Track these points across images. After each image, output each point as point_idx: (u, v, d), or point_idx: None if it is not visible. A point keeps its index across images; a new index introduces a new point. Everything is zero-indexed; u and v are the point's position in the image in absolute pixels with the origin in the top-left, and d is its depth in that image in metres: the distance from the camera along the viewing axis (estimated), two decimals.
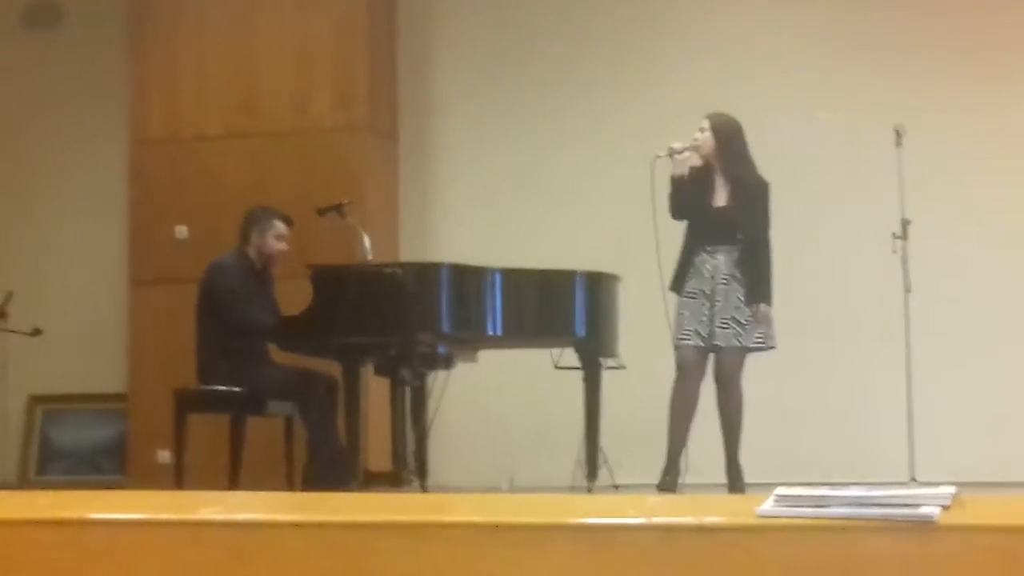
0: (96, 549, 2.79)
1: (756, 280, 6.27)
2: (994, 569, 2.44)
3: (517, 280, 6.68)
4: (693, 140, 6.42)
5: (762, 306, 6.25)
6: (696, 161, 6.43)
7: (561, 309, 6.81)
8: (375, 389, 7.15)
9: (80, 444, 8.84)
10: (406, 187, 8.64)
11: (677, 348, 6.34)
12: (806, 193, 7.63)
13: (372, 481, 6.80)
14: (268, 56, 8.39)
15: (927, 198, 7.12)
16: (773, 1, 8.33)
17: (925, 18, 8.01)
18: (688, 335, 6.30)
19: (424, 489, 6.62)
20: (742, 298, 6.26)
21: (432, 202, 8.61)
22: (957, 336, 7.67)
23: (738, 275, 6.29)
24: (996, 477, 6.71)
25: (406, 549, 2.67)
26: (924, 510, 2.49)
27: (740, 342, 6.27)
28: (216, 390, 6.82)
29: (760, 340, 6.30)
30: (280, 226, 7.04)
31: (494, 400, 8.11)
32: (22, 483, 8.60)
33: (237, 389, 6.79)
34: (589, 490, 6.79)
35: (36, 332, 8.27)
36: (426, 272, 6.67)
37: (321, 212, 7.11)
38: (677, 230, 6.43)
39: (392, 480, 6.80)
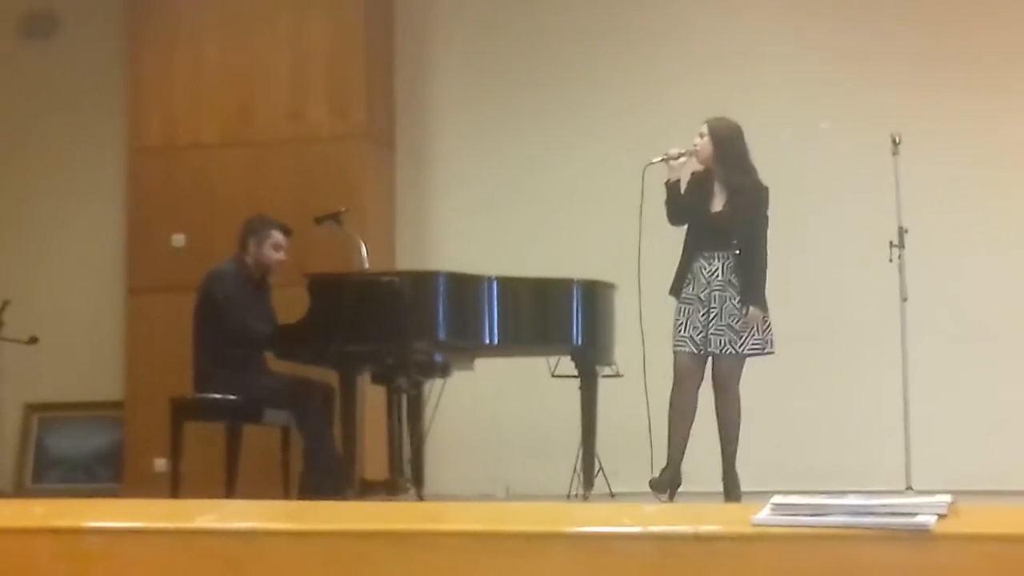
0: (92, 557, 2.79)
1: (749, 283, 6.28)
2: None
3: (514, 288, 6.68)
4: (692, 145, 6.43)
5: (752, 308, 6.24)
6: (696, 166, 6.44)
7: (558, 317, 6.81)
8: (371, 397, 7.14)
9: (76, 452, 8.83)
10: (403, 195, 8.64)
11: (674, 355, 6.34)
12: (802, 201, 7.63)
13: (368, 489, 6.79)
14: (265, 64, 8.39)
15: (924, 207, 7.13)
16: (772, 10, 8.33)
17: (922, 28, 8.03)
18: (683, 342, 6.31)
19: (420, 497, 6.61)
20: (738, 304, 6.26)
21: (429, 210, 8.61)
22: (954, 345, 7.68)
23: (734, 281, 6.29)
24: (992, 486, 6.70)
25: (402, 557, 2.67)
26: (920, 519, 2.49)
27: (735, 349, 6.27)
28: (213, 398, 6.81)
29: (757, 346, 6.30)
30: (278, 236, 7.04)
31: (490, 408, 8.10)
32: (18, 491, 8.59)
33: (233, 397, 6.78)
34: (585, 498, 6.78)
35: (32, 340, 8.25)
36: (423, 280, 6.67)
37: (318, 221, 7.10)
38: (672, 237, 6.43)
39: (388, 488, 6.79)
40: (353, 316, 6.47)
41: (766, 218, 6.38)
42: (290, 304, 6.69)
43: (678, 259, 6.43)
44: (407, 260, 8.30)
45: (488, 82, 8.61)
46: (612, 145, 8.17)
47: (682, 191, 6.45)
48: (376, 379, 6.95)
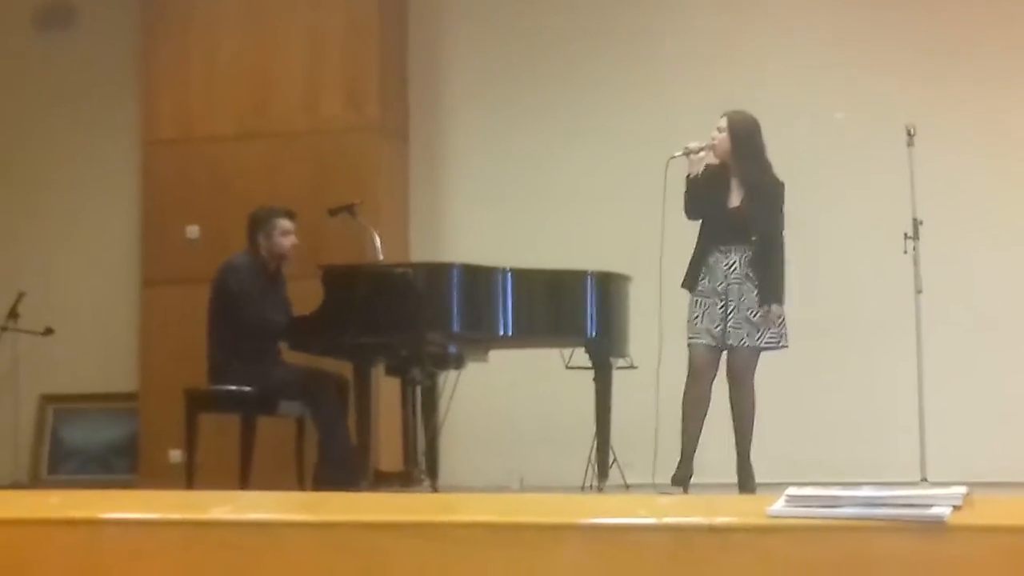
0: (107, 548, 2.80)
1: (768, 281, 6.25)
2: (1005, 569, 2.43)
3: (528, 280, 6.68)
4: (711, 139, 6.39)
5: (773, 307, 6.23)
6: (711, 159, 6.41)
7: (572, 309, 6.81)
8: (386, 389, 7.15)
9: (92, 443, 8.85)
10: (417, 187, 8.64)
11: (689, 347, 6.33)
12: (817, 193, 7.62)
13: (383, 481, 6.81)
14: (279, 57, 8.40)
15: (939, 198, 7.11)
16: (786, 2, 8.32)
17: (937, 19, 8.00)
18: (700, 335, 6.29)
19: (435, 489, 6.61)
20: (756, 298, 6.24)
21: (443, 202, 8.62)
22: (969, 336, 7.66)
23: (751, 275, 6.27)
24: (1007, 477, 6.70)
25: (417, 549, 2.67)
26: (935, 510, 2.49)
27: (752, 342, 6.26)
28: (227, 390, 6.82)
29: (772, 340, 6.28)
30: (284, 223, 7.03)
31: (505, 400, 8.11)
32: (34, 482, 8.62)
33: (248, 389, 6.80)
34: (600, 490, 6.79)
35: (48, 332, 8.30)
36: (437, 272, 6.67)
37: (332, 213, 7.11)
38: (688, 230, 6.42)
39: (403, 480, 6.80)
40: (367, 308, 6.48)
41: (783, 215, 6.36)
42: (304, 296, 6.70)
43: (689, 253, 6.41)
44: (421, 252, 8.30)
45: (501, 76, 8.60)
46: (624, 139, 8.17)
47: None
48: (390, 371, 6.96)
